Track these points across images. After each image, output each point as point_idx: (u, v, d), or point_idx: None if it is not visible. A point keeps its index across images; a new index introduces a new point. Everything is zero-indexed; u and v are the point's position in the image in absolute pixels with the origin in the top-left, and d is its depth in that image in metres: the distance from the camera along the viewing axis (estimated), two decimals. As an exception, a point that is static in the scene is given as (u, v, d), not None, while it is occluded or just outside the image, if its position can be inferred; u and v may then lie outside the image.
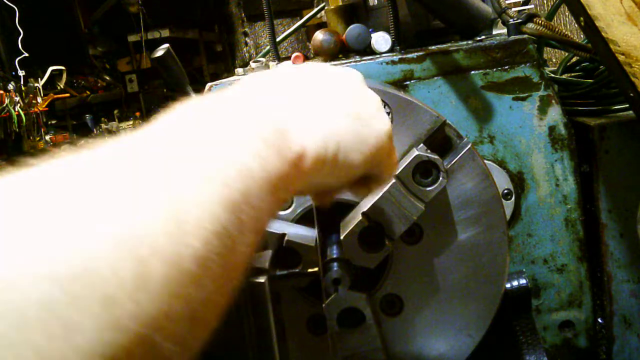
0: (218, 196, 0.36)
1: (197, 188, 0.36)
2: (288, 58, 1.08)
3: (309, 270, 0.73)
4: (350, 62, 0.97)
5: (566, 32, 1.08)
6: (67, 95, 4.11)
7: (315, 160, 0.49)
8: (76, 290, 0.28)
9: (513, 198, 0.96)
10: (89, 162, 0.35)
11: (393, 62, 0.95)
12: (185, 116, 0.43)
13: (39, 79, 3.54)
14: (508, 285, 0.85)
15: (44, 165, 0.34)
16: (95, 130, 4.26)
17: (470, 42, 0.98)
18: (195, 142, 0.39)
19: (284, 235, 0.75)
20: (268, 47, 1.16)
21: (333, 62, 1.01)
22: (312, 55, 1.24)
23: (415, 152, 0.73)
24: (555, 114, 0.95)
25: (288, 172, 0.44)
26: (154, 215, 0.33)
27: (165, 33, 4.94)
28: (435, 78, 0.95)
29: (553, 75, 1.17)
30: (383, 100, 0.76)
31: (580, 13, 0.78)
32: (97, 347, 0.27)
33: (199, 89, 1.08)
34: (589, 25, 0.77)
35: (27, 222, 0.29)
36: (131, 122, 4.84)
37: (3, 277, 0.27)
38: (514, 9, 1.09)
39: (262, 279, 0.61)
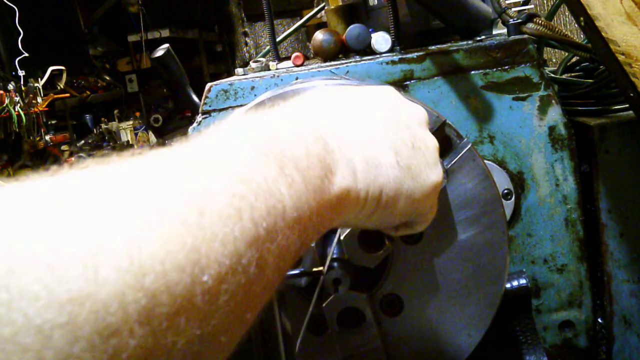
0: (243, 232, 0.34)
1: (224, 221, 0.33)
2: (288, 58, 1.08)
3: (309, 270, 0.73)
4: (350, 62, 0.97)
5: (566, 32, 1.08)
6: (67, 95, 4.11)
7: (354, 203, 0.46)
8: (76, 317, 0.26)
9: (513, 198, 0.96)
10: (110, 175, 0.33)
11: (393, 62, 0.95)
12: (228, 138, 0.40)
13: (39, 79, 3.54)
14: (508, 285, 0.85)
15: (59, 175, 0.32)
16: (95, 130, 4.26)
17: (470, 42, 0.98)
18: (229, 168, 0.36)
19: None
20: (268, 47, 1.16)
21: (333, 62, 1.01)
22: (312, 55, 1.24)
23: (415, 152, 0.73)
24: (555, 114, 0.95)
25: (323, 212, 0.42)
26: (169, 247, 0.30)
27: (165, 33, 4.94)
28: (435, 78, 0.95)
29: (553, 75, 1.17)
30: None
31: (580, 13, 0.78)
32: None
33: (199, 89, 1.08)
34: (589, 25, 0.77)
35: (33, 233, 0.27)
36: (131, 122, 4.84)
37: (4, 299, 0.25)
38: (514, 9, 1.09)
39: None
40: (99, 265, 0.27)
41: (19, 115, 3.13)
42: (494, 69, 0.94)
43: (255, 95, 0.96)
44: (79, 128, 4.40)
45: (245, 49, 6.06)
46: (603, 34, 0.76)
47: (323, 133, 0.46)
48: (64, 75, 3.94)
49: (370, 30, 1.02)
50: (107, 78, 5.20)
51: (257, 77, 0.98)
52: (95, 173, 0.33)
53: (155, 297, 0.28)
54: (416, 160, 0.52)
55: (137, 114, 5.05)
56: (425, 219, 0.58)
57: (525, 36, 0.97)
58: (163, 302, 0.29)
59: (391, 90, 0.60)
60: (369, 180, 0.48)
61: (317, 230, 0.43)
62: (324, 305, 0.73)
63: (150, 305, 0.28)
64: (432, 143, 0.56)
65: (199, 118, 0.98)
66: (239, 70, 1.08)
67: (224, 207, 0.34)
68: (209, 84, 0.98)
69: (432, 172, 0.54)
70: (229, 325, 0.33)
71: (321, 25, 2.02)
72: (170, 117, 5.17)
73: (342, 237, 0.72)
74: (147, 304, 0.28)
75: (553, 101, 0.94)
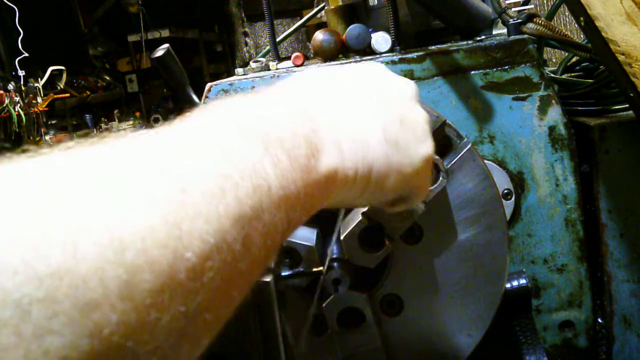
0: (227, 210, 0.34)
1: (208, 200, 0.33)
2: (288, 58, 1.08)
3: (309, 270, 0.73)
4: (350, 62, 0.97)
5: (566, 32, 1.08)
6: (67, 95, 4.11)
7: (343, 182, 0.46)
8: (55, 292, 0.26)
9: (513, 198, 0.96)
10: (94, 155, 0.33)
11: (393, 62, 0.95)
12: (213, 118, 0.40)
13: (39, 79, 3.54)
14: (508, 285, 0.85)
15: (47, 154, 0.33)
16: (95, 130, 4.26)
17: (470, 42, 0.98)
18: (214, 148, 0.37)
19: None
20: (268, 47, 1.16)
21: (333, 62, 1.01)
22: (312, 55, 1.24)
23: (415, 152, 0.73)
24: (555, 114, 0.95)
25: (311, 192, 0.42)
26: (150, 223, 0.30)
27: (165, 33, 4.94)
28: (435, 78, 0.95)
29: (553, 75, 1.17)
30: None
31: (580, 13, 0.78)
32: (71, 354, 0.26)
33: (199, 89, 1.08)
34: (589, 25, 0.77)
35: (14, 208, 0.27)
36: (131, 122, 4.84)
37: None
38: (514, 9, 1.09)
39: (268, 278, 0.61)
40: (78, 241, 0.27)
41: (19, 115, 3.13)
42: (494, 69, 0.94)
43: (255, 95, 0.96)
44: (79, 128, 4.40)
45: (245, 49, 6.06)
46: (603, 34, 0.76)
47: (309, 113, 0.46)
48: (64, 75, 3.94)
49: (370, 30, 1.02)
50: (107, 78, 5.20)
51: (257, 77, 0.98)
52: (79, 154, 0.33)
53: (137, 273, 0.28)
54: (405, 135, 0.52)
55: (137, 114, 5.05)
56: (419, 192, 0.58)
57: (525, 36, 0.97)
58: (145, 279, 0.29)
59: (379, 66, 0.60)
60: (357, 159, 0.48)
61: (306, 210, 0.43)
62: (324, 305, 0.73)
63: (132, 280, 0.28)
64: (421, 117, 0.56)
65: (199, 118, 0.98)
66: (239, 70, 1.08)
67: (208, 186, 0.34)
68: (209, 84, 0.98)
69: (421, 146, 0.54)
70: (214, 302, 0.33)
71: (321, 25, 2.02)
72: (170, 117, 5.16)
73: (342, 237, 0.72)
74: (128, 279, 0.28)
75: (553, 101, 0.94)
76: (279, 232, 0.39)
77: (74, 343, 0.26)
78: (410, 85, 0.59)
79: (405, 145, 0.52)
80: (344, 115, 0.49)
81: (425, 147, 0.55)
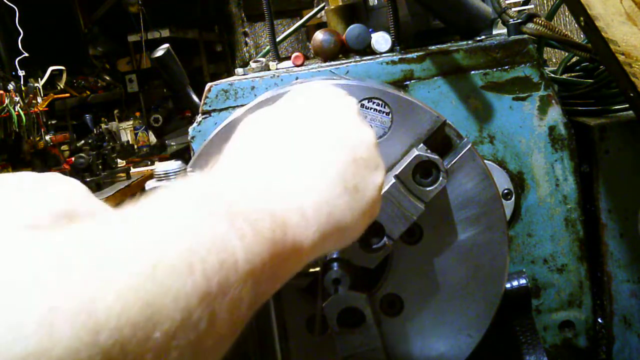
0: (195, 287, 0.33)
1: (176, 276, 0.33)
2: (288, 58, 1.08)
3: (306, 270, 0.73)
4: (350, 62, 0.97)
5: (566, 32, 1.08)
6: (67, 95, 4.11)
7: (311, 249, 0.45)
8: None
9: (513, 198, 0.96)
10: (73, 236, 0.33)
11: (393, 62, 0.95)
12: (177, 198, 0.40)
13: (39, 79, 3.54)
14: (508, 285, 0.85)
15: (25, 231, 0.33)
16: (95, 130, 4.26)
17: (470, 42, 0.98)
18: (180, 225, 0.36)
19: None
20: (268, 47, 1.16)
21: (333, 62, 1.01)
22: (312, 55, 1.24)
23: (415, 152, 0.73)
24: (555, 114, 0.95)
25: (278, 263, 0.41)
26: (123, 301, 0.30)
27: (165, 33, 4.94)
28: (435, 78, 0.95)
29: (553, 75, 1.17)
30: (383, 100, 0.76)
31: (580, 13, 0.78)
32: None
33: (199, 89, 1.08)
34: (589, 25, 0.77)
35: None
36: (131, 122, 4.84)
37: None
38: (514, 9, 1.09)
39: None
40: (54, 321, 0.28)
41: (19, 115, 3.12)
42: (494, 69, 0.94)
43: (255, 95, 0.96)
44: (79, 128, 4.40)
45: (245, 49, 6.06)
46: (603, 34, 0.76)
47: (270, 184, 0.46)
48: (64, 75, 3.94)
49: (370, 30, 1.02)
50: (107, 78, 5.19)
51: (257, 77, 0.98)
52: (58, 235, 0.33)
53: (109, 354, 0.29)
54: (360, 172, 0.51)
55: (137, 114, 5.05)
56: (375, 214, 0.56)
57: (525, 36, 0.97)
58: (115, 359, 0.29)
59: (312, 98, 0.58)
60: (322, 221, 0.46)
61: (274, 282, 0.43)
62: (324, 305, 0.73)
63: None
64: (368, 135, 0.54)
65: (199, 118, 0.98)
66: (239, 70, 1.08)
67: (177, 261, 0.33)
68: (209, 84, 0.98)
69: (376, 175, 0.53)
70: None
71: (321, 25, 2.02)
72: (170, 117, 5.16)
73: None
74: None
75: (553, 101, 0.94)
76: (246, 306, 0.39)
77: None
78: (348, 103, 0.57)
79: (363, 186, 0.51)
80: (304, 177, 0.48)
81: (380, 172, 0.54)
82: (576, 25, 0.87)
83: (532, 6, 1.31)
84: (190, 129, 0.98)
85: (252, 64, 1.06)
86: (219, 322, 0.35)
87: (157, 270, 0.32)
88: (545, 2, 3.54)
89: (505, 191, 0.96)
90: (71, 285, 0.30)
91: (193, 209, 0.39)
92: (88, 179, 3.29)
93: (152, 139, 4.88)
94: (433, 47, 0.97)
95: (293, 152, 0.50)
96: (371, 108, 0.76)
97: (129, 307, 0.30)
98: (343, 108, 0.56)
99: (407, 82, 0.95)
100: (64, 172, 3.32)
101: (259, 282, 0.39)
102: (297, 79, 0.96)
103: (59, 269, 0.30)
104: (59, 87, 3.91)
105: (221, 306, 0.35)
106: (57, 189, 0.52)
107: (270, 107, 0.57)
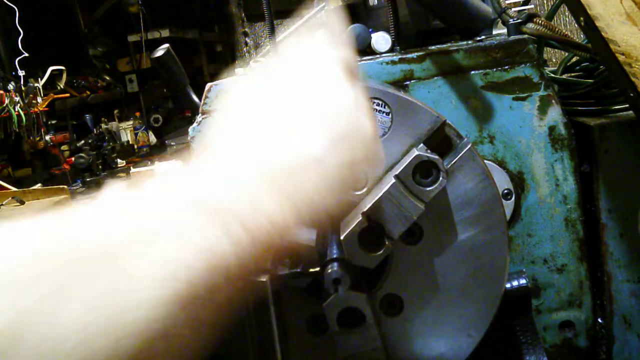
0: (176, 295, 0.33)
1: (156, 285, 0.33)
2: (288, 58, 1.08)
3: (306, 270, 0.73)
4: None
5: (566, 32, 1.08)
6: (67, 95, 4.11)
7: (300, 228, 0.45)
8: None
9: (513, 198, 0.96)
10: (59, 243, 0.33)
11: (393, 62, 0.95)
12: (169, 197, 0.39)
13: (39, 79, 3.54)
14: (508, 285, 0.85)
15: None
16: (95, 130, 4.26)
17: (470, 42, 0.98)
18: (167, 234, 0.36)
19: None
20: (268, 47, 1.16)
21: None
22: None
23: (415, 152, 0.73)
24: (555, 114, 0.95)
25: (266, 256, 0.42)
26: (90, 315, 0.30)
27: (165, 33, 4.94)
28: (435, 78, 0.95)
29: (553, 75, 1.17)
30: (383, 100, 0.76)
31: (580, 13, 0.78)
32: None
33: (199, 89, 1.08)
34: (589, 25, 0.77)
35: None
36: (131, 122, 4.84)
37: None
38: (514, 9, 1.09)
39: (264, 278, 0.61)
40: (23, 332, 0.28)
41: (19, 115, 3.12)
42: (494, 69, 0.94)
43: (255, 95, 0.96)
44: (79, 128, 4.40)
45: (245, 49, 6.06)
46: (603, 34, 0.76)
47: (262, 187, 0.44)
48: (64, 75, 3.94)
49: (370, 30, 1.02)
50: (107, 78, 5.20)
51: (257, 77, 0.98)
52: (48, 250, 0.33)
53: None
54: (352, 144, 0.51)
55: (137, 114, 5.05)
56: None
57: (525, 36, 0.97)
58: None
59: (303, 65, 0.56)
60: (314, 211, 0.46)
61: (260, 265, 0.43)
62: (324, 305, 0.73)
63: None
64: (345, 94, 0.52)
65: (199, 118, 0.98)
66: (239, 70, 1.07)
67: (157, 271, 0.33)
68: (208, 84, 0.98)
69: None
70: None
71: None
72: (170, 117, 5.17)
73: (342, 237, 0.72)
74: None
75: (553, 101, 0.94)
76: (232, 309, 0.39)
77: None
78: (330, 63, 0.54)
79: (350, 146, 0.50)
80: (298, 177, 0.47)
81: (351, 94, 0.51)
82: (576, 25, 0.87)
83: (532, 6, 1.31)
84: (190, 129, 0.98)
85: (252, 64, 1.06)
86: (204, 326, 0.36)
87: (132, 280, 0.33)
88: (545, 2, 3.54)
89: (505, 191, 0.96)
90: (39, 291, 0.30)
91: (186, 214, 0.38)
92: (88, 179, 3.29)
93: (152, 139, 4.88)
94: (433, 47, 0.97)
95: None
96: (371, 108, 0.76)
97: (97, 319, 0.31)
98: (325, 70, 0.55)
99: (407, 82, 0.95)
100: (64, 172, 3.33)
101: (245, 287, 0.40)
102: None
103: (42, 272, 0.32)
104: (59, 87, 3.91)
105: (206, 310, 0.35)
106: None
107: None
